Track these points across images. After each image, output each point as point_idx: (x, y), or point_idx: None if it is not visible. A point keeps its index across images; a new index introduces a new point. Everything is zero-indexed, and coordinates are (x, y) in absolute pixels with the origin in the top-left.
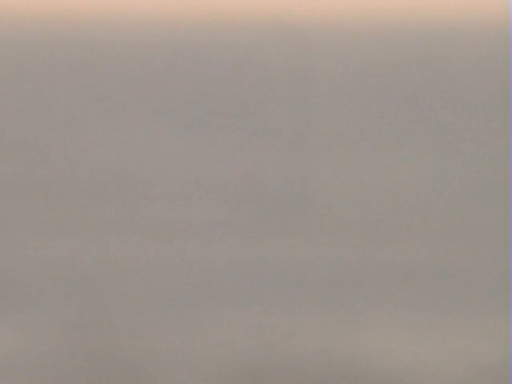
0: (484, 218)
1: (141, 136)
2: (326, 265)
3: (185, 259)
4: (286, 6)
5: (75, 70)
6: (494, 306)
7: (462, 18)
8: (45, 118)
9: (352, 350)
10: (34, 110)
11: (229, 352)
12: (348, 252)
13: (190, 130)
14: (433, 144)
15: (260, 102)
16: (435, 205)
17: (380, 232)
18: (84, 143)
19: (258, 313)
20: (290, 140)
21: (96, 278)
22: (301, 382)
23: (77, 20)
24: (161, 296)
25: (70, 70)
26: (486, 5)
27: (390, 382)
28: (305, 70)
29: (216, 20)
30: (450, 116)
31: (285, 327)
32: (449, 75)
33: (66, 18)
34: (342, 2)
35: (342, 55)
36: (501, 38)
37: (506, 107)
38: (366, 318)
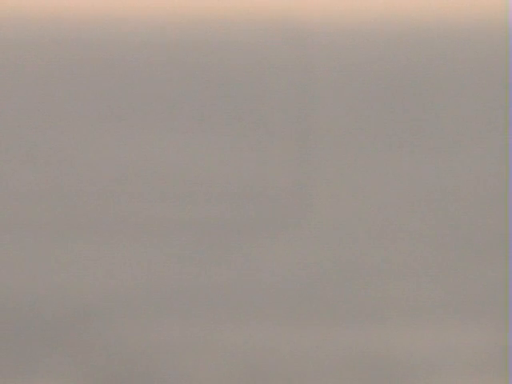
0: (484, 217)
1: (141, 136)
2: (326, 264)
3: (184, 259)
4: (286, 6)
5: (76, 70)
6: (494, 306)
7: (462, 18)
8: (45, 118)
9: (351, 347)
10: (34, 110)
11: (222, 349)
12: (348, 252)
13: (190, 131)
14: (433, 144)
15: (260, 102)
16: (435, 205)
17: (380, 232)
18: (84, 143)
19: (257, 312)
20: (290, 140)
21: (95, 276)
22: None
23: (77, 20)
24: (160, 295)
25: (70, 70)
26: (486, 5)
27: (390, 378)
28: (305, 71)
29: (216, 20)
30: (449, 116)
31: (284, 325)
32: (448, 75)
33: (67, 18)
34: (342, 2)
35: (343, 55)
36: (501, 38)
37: (506, 107)
38: (366, 317)
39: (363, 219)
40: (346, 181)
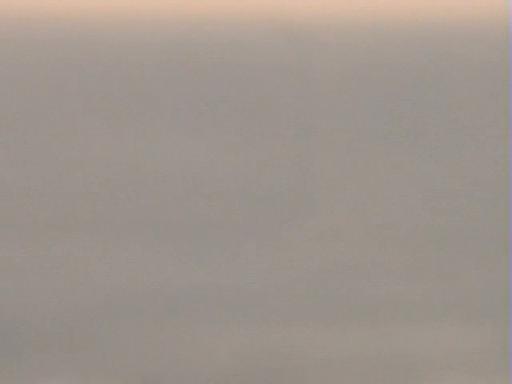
0: (484, 217)
1: (141, 136)
2: (326, 264)
3: (184, 258)
4: (286, 6)
5: (76, 70)
6: (494, 305)
7: (462, 18)
8: (46, 119)
9: (351, 346)
10: (35, 111)
11: (220, 342)
12: (348, 252)
13: (191, 131)
14: (433, 144)
15: (261, 102)
16: (435, 205)
17: (380, 232)
18: (85, 143)
19: (256, 312)
20: (290, 140)
21: (95, 275)
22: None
23: (77, 20)
24: (161, 295)
25: (71, 70)
26: (486, 5)
27: (390, 377)
28: (305, 71)
29: (216, 20)
30: (450, 116)
31: (284, 325)
32: (449, 75)
33: (67, 18)
34: (342, 2)
35: (343, 55)
36: (501, 38)
37: (506, 107)
38: (366, 316)
39: (363, 219)
40: (346, 180)
